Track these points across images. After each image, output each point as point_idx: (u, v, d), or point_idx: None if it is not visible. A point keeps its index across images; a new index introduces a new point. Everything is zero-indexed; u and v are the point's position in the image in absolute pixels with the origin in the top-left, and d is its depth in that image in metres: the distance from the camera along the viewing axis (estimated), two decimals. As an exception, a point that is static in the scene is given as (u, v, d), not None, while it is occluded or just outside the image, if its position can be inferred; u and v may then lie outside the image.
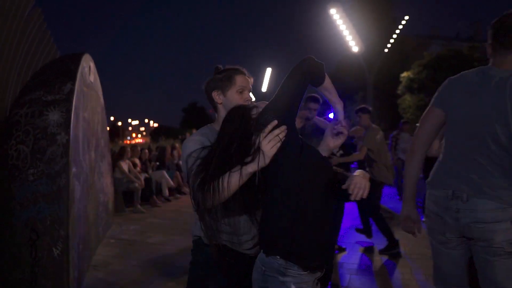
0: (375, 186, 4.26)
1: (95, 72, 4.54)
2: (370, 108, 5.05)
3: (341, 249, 4.49)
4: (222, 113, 1.73)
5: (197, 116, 67.11)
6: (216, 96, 1.75)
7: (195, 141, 1.66)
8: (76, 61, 3.46)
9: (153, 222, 6.29)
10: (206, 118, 64.27)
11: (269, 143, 1.43)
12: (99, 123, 4.86)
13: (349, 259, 4.26)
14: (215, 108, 1.80)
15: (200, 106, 71.75)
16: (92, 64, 4.29)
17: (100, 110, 4.95)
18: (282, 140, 1.45)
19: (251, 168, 1.44)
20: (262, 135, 1.45)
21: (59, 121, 2.91)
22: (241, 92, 1.73)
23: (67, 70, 3.30)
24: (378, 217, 4.44)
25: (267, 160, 1.45)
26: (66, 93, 3.06)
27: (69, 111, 2.98)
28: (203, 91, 1.82)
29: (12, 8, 3.48)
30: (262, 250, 1.54)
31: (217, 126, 1.72)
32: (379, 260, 4.18)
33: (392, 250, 4.29)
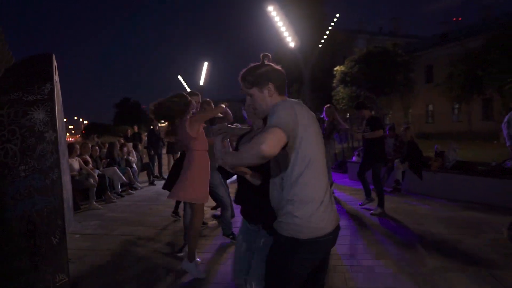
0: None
1: (56, 71, 4.61)
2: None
3: None
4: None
5: (130, 112, 64.85)
6: None
7: None
8: (49, 62, 3.59)
9: (113, 216, 6.41)
10: (141, 114, 62.37)
11: None
12: (60, 121, 4.92)
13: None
14: None
15: (134, 101, 69.32)
16: (55, 64, 4.37)
17: (60, 108, 5.00)
18: None
19: None
20: None
21: (45, 120, 3.08)
22: None
23: (43, 71, 3.43)
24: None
25: None
26: (47, 93, 3.23)
27: (53, 109, 3.16)
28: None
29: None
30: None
31: None
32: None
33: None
